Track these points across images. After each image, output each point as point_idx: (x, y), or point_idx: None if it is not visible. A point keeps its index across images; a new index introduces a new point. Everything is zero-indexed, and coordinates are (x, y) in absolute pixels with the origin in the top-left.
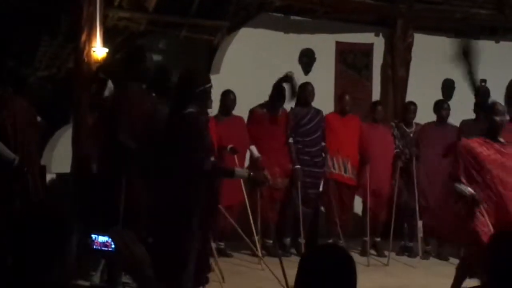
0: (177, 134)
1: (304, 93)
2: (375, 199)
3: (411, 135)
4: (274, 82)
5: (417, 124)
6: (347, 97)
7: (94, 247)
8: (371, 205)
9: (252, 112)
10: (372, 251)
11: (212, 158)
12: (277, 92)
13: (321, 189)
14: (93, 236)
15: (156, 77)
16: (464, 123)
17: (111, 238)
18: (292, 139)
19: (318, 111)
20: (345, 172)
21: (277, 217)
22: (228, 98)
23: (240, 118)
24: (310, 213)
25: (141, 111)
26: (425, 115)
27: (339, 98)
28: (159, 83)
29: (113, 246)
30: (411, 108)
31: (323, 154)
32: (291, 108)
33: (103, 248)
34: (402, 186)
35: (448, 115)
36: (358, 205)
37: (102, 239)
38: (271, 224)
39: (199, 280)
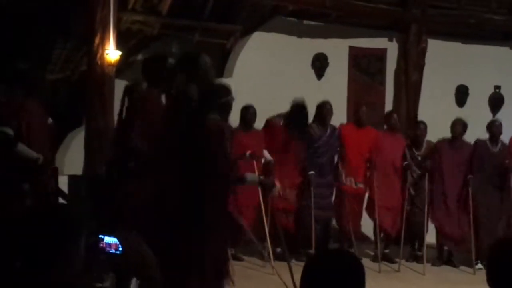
0: (199, 140)
1: (322, 112)
2: (386, 212)
3: (419, 158)
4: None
5: (428, 141)
6: (363, 108)
7: (101, 248)
8: (381, 221)
9: (268, 122)
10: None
11: None
12: (296, 116)
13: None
14: (101, 236)
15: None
16: (478, 143)
17: (119, 241)
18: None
19: (334, 130)
20: (355, 184)
21: (289, 226)
22: (248, 113)
23: (259, 134)
24: (320, 229)
25: (157, 116)
26: (438, 122)
27: (355, 111)
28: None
29: (120, 248)
30: (420, 126)
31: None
32: (309, 125)
33: (111, 250)
34: (413, 198)
35: (460, 132)
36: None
37: (109, 239)
38: (281, 230)
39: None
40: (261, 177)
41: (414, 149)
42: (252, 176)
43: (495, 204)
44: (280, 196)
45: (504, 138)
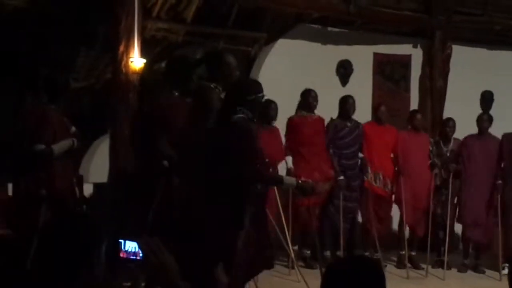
0: (228, 140)
1: (345, 106)
2: (412, 212)
3: (448, 154)
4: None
5: (455, 139)
6: (382, 108)
7: (123, 255)
8: (408, 219)
9: (290, 120)
10: (408, 265)
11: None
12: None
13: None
14: (121, 241)
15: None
16: (505, 137)
17: (139, 246)
18: (332, 150)
19: (358, 124)
20: (375, 182)
21: (317, 225)
22: (270, 108)
23: (277, 130)
24: (347, 227)
25: (181, 120)
26: (463, 127)
27: (375, 109)
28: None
29: (141, 254)
30: (449, 123)
31: (360, 165)
32: (331, 119)
33: (132, 257)
34: (439, 200)
35: (487, 127)
36: (395, 217)
37: (130, 245)
38: (311, 233)
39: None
40: (300, 181)
41: (442, 145)
42: (291, 179)
43: None
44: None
45: None
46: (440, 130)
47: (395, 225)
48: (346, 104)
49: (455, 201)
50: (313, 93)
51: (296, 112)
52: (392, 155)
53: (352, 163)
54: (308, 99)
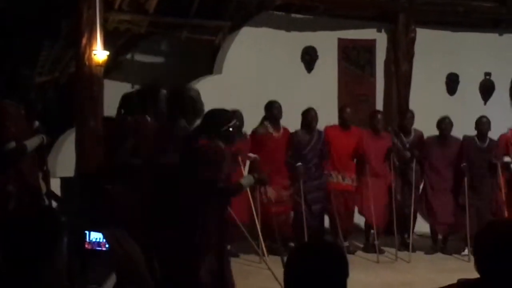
0: (194, 163)
1: (308, 118)
2: (375, 210)
3: (407, 145)
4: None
5: (415, 130)
6: (348, 110)
7: (87, 247)
8: (371, 219)
9: (254, 133)
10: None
11: None
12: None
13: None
14: (86, 232)
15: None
16: (466, 140)
17: (105, 237)
18: (291, 159)
19: (320, 134)
20: (343, 180)
21: (288, 229)
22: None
23: (245, 142)
24: (316, 226)
25: (146, 139)
26: (429, 111)
27: (340, 111)
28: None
29: (107, 245)
30: (408, 115)
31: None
32: (295, 131)
33: (97, 248)
34: (400, 186)
35: (447, 130)
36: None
37: (95, 235)
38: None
39: None
40: (255, 175)
41: (403, 136)
42: (248, 178)
43: (486, 193)
44: (276, 201)
45: (496, 125)
46: (399, 123)
47: (358, 219)
48: (308, 116)
49: (419, 190)
50: (277, 104)
51: (262, 123)
52: (355, 159)
53: (311, 166)
54: (273, 111)
